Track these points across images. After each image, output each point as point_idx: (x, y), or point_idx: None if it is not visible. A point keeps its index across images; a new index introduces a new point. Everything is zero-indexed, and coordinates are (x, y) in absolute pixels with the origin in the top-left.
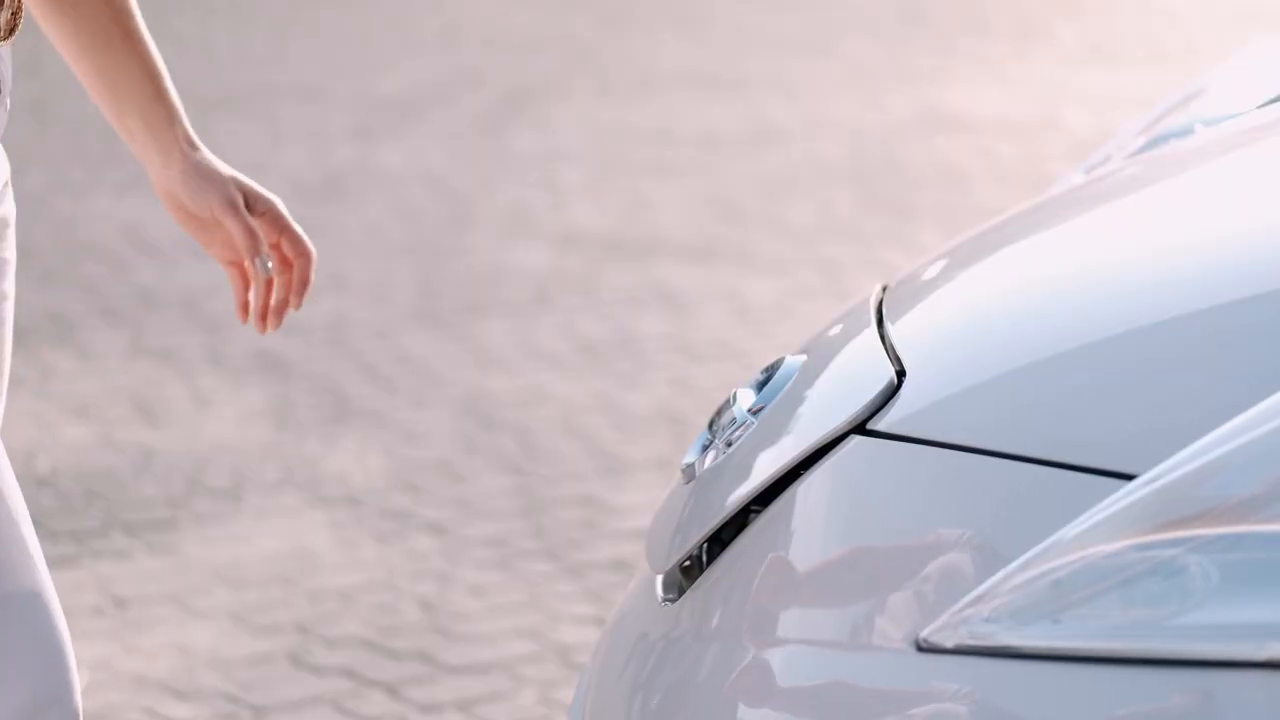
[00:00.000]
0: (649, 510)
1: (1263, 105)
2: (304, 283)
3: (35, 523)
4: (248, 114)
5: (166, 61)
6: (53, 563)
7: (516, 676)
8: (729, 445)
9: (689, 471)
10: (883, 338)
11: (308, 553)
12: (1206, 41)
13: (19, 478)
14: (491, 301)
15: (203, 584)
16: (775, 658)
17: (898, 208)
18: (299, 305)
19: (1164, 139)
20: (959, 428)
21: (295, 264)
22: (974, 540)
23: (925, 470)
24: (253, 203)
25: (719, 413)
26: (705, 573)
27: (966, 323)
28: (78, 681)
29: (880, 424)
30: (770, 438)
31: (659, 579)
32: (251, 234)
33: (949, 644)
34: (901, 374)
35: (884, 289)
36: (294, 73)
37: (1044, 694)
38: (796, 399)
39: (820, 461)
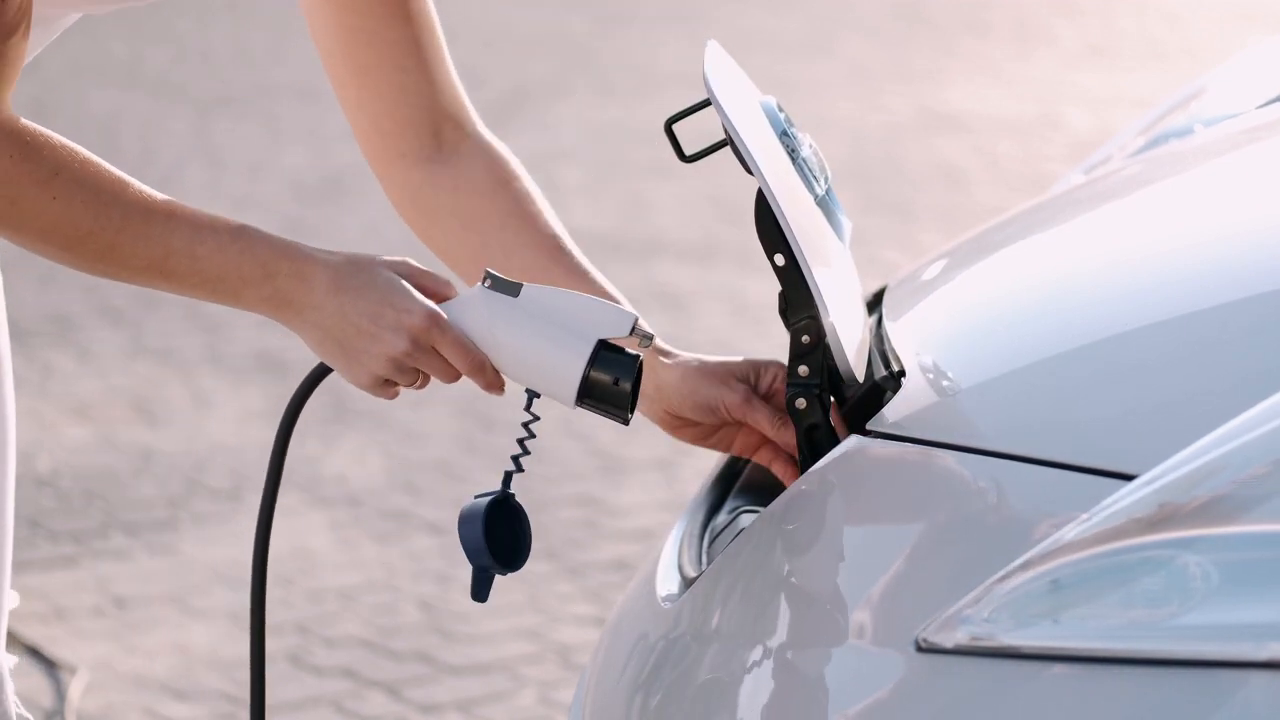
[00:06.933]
0: (649, 510)
1: (1263, 105)
2: None
3: (35, 523)
4: (248, 114)
5: (167, 62)
6: (53, 563)
7: (516, 676)
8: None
9: None
10: (882, 338)
11: (308, 553)
12: (1206, 41)
13: (19, 478)
14: None
15: (203, 584)
16: (775, 658)
17: (898, 208)
18: None
19: (1164, 139)
20: (959, 428)
21: None
22: (974, 540)
23: (925, 470)
24: (762, 372)
25: None
26: (705, 573)
27: (966, 323)
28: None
29: (880, 424)
30: None
31: (659, 579)
32: (781, 417)
33: (949, 644)
34: (901, 374)
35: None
36: (294, 73)
37: (1044, 694)
38: None
39: (820, 461)
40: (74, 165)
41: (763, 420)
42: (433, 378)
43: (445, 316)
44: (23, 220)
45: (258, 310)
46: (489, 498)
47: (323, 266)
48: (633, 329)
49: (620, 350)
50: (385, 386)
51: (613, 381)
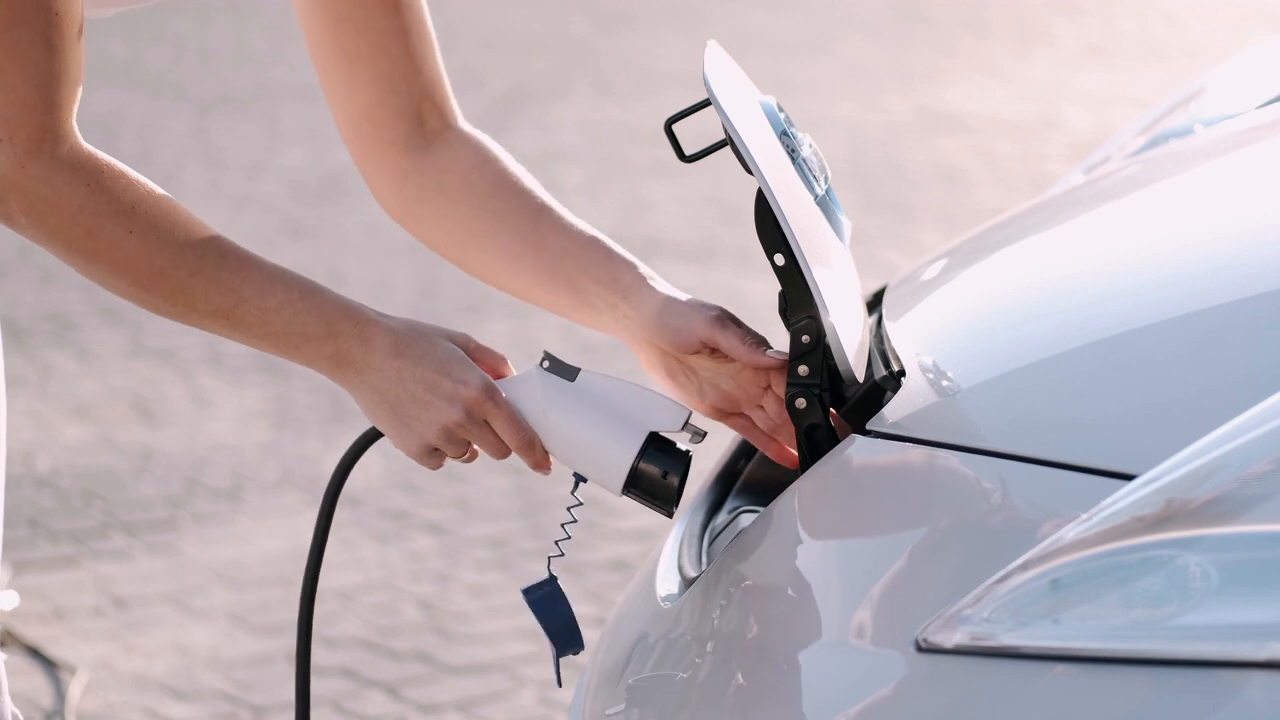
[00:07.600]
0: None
1: (1263, 105)
2: None
3: (35, 523)
4: (248, 114)
5: (166, 62)
6: (53, 563)
7: (516, 676)
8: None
9: None
10: (882, 338)
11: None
12: (1206, 41)
13: (19, 478)
14: (491, 302)
15: (203, 584)
16: (775, 658)
17: (898, 208)
18: None
19: (1164, 139)
20: (959, 428)
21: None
22: (974, 540)
23: (925, 470)
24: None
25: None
26: (705, 573)
27: (966, 323)
28: None
29: (880, 424)
30: None
31: (659, 579)
32: (754, 339)
33: (949, 644)
34: (901, 374)
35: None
36: (294, 73)
37: (1044, 694)
38: None
39: (820, 461)
40: (150, 201)
41: (733, 339)
42: (480, 452)
43: (501, 392)
44: (97, 251)
45: (316, 367)
46: (549, 587)
47: (385, 330)
48: (685, 424)
49: (671, 444)
50: (433, 455)
51: (661, 475)
